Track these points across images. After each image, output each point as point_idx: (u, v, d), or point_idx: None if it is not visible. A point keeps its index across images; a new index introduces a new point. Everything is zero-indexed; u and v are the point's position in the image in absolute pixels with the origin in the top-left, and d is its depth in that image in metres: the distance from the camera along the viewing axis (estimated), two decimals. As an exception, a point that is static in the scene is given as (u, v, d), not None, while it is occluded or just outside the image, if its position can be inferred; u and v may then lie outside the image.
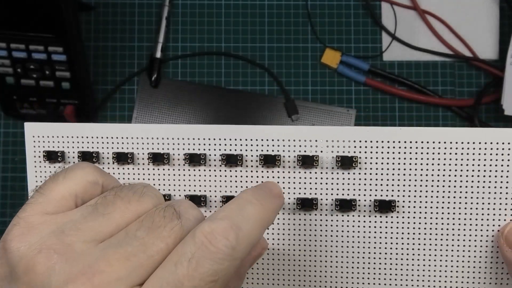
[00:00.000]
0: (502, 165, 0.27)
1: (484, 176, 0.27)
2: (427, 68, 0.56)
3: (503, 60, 0.54)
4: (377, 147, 0.27)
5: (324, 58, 0.55)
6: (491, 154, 0.27)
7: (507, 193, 0.27)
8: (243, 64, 0.56)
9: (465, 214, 0.27)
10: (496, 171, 0.27)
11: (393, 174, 0.27)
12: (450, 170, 0.27)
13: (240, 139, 0.27)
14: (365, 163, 0.27)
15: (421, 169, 0.27)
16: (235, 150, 0.27)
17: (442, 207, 0.27)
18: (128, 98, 0.55)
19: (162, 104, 0.55)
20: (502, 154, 0.27)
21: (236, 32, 0.56)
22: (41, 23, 0.45)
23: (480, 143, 0.27)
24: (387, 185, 0.27)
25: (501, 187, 0.27)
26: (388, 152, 0.27)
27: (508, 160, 0.27)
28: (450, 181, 0.27)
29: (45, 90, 0.50)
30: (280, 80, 0.55)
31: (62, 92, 0.50)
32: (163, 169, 0.28)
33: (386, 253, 0.28)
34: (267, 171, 0.27)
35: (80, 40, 0.48)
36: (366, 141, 0.27)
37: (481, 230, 0.27)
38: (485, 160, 0.27)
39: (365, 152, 0.27)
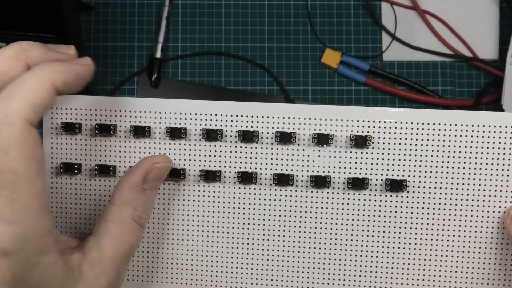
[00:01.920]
0: (510, 148, 0.28)
1: (492, 158, 0.28)
2: (427, 68, 0.56)
3: (503, 60, 0.54)
4: (390, 127, 0.28)
5: (324, 58, 0.55)
6: (500, 137, 0.28)
7: None
8: (243, 64, 0.56)
9: (473, 195, 0.28)
10: (504, 153, 0.28)
11: (404, 155, 0.28)
12: (460, 151, 0.28)
13: (257, 116, 0.27)
14: (378, 143, 0.27)
15: (432, 150, 0.28)
16: (251, 127, 0.28)
17: (451, 188, 0.28)
18: (128, 98, 0.55)
19: (162, 104, 0.55)
20: (511, 138, 0.28)
21: (236, 32, 0.56)
22: (41, 23, 0.45)
23: (490, 126, 0.27)
24: (398, 165, 0.28)
25: (508, 169, 0.28)
26: (400, 133, 0.28)
27: None
28: (460, 162, 0.28)
29: (45, 90, 0.50)
30: (280, 80, 0.55)
31: (62, 92, 0.50)
32: (180, 144, 0.27)
33: (395, 232, 0.29)
34: (282, 148, 0.28)
35: (80, 40, 0.48)
36: (380, 121, 0.27)
37: (488, 210, 0.28)
38: (494, 142, 0.28)
39: (379, 132, 0.27)
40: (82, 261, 0.23)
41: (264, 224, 0.29)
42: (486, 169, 0.28)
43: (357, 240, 0.29)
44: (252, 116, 0.27)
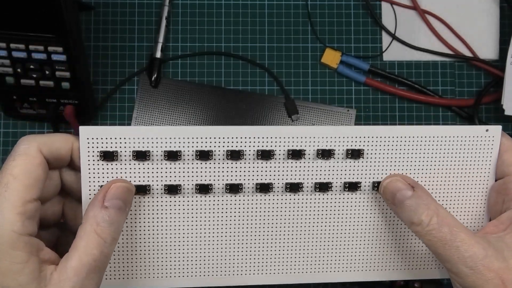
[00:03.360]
0: (464, 154, 0.33)
1: (457, 165, 0.34)
2: (427, 68, 0.56)
3: (503, 60, 0.54)
4: (377, 141, 0.33)
5: (324, 58, 0.55)
6: (457, 146, 0.33)
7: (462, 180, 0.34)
8: (243, 64, 0.56)
9: (441, 194, 0.34)
10: (473, 162, 0.33)
11: (388, 162, 0.33)
12: (426, 158, 0.33)
13: (269, 138, 0.32)
14: (368, 154, 0.33)
15: (407, 157, 0.33)
16: (267, 146, 0.32)
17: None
18: (128, 98, 0.55)
19: (162, 104, 0.55)
20: (464, 146, 0.33)
21: (236, 32, 0.56)
22: (41, 23, 0.45)
23: (461, 136, 0.33)
24: (383, 170, 0.33)
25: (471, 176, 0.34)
26: (385, 145, 0.33)
27: (468, 150, 0.33)
28: (425, 168, 0.34)
29: (45, 90, 0.50)
30: (280, 80, 0.55)
31: (62, 92, 0.50)
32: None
33: (381, 225, 0.34)
34: (292, 162, 0.33)
35: (80, 40, 0.48)
36: (369, 137, 0.33)
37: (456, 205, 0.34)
38: (459, 152, 0.33)
39: (368, 146, 0.33)
40: (53, 271, 0.26)
41: (274, 226, 0.33)
42: (451, 175, 0.34)
43: (353, 234, 0.34)
44: (267, 138, 0.32)
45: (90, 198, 0.30)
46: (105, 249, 0.27)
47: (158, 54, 0.54)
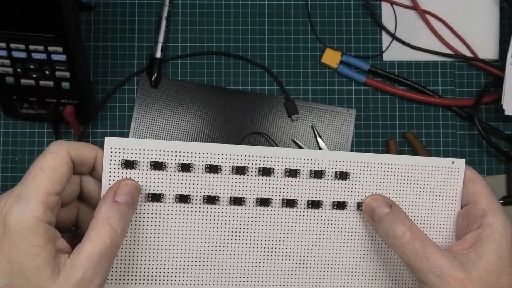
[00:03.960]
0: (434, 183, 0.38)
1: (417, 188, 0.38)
2: (427, 68, 0.56)
3: (503, 60, 0.54)
4: (361, 166, 0.37)
5: (324, 58, 0.55)
6: (429, 174, 0.37)
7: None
8: (243, 64, 0.56)
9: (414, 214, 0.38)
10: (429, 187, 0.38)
11: (370, 185, 0.37)
12: (403, 183, 0.38)
13: (270, 157, 0.36)
14: (354, 176, 0.37)
15: (387, 181, 0.37)
16: (267, 164, 0.36)
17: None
18: (128, 98, 0.55)
19: (162, 104, 0.55)
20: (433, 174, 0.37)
21: (236, 32, 0.56)
22: (41, 23, 0.45)
23: (426, 166, 0.37)
24: (366, 192, 0.37)
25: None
26: (368, 170, 0.37)
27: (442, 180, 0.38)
28: (401, 191, 0.38)
29: (45, 90, 0.50)
30: (280, 80, 0.55)
31: (62, 92, 0.50)
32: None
33: (363, 240, 0.37)
34: (288, 180, 0.36)
35: (80, 40, 0.48)
36: (355, 162, 0.37)
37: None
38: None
39: (354, 169, 0.37)
40: (67, 258, 0.29)
41: (271, 238, 0.36)
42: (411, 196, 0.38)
43: (341, 252, 0.37)
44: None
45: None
46: (115, 239, 0.30)
47: (158, 54, 0.54)
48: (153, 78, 0.54)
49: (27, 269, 0.27)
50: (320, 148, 0.55)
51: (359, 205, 0.37)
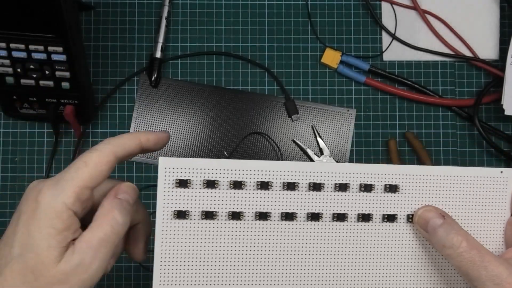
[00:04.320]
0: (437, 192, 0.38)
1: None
2: (427, 68, 0.56)
3: (503, 60, 0.54)
4: (412, 179, 0.37)
5: (324, 58, 0.55)
6: (477, 184, 0.38)
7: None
8: (243, 64, 0.56)
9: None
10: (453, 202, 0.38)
11: (420, 196, 0.37)
12: (453, 193, 0.38)
13: (320, 172, 0.36)
14: (403, 189, 0.37)
15: (437, 193, 0.37)
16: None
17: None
18: (128, 98, 0.55)
19: (162, 104, 0.55)
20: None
21: (236, 32, 0.56)
22: (41, 23, 0.45)
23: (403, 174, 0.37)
24: (416, 204, 0.37)
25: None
26: (417, 182, 0.37)
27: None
28: (452, 202, 0.38)
29: (45, 90, 0.50)
30: (280, 80, 0.55)
31: (62, 92, 0.50)
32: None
33: (415, 253, 0.38)
34: (339, 194, 0.37)
35: (80, 40, 0.48)
36: (404, 175, 0.37)
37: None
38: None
39: (403, 181, 0.37)
40: (72, 245, 0.31)
41: (321, 253, 0.37)
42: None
43: (390, 259, 0.38)
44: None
45: (163, 220, 0.35)
46: (116, 227, 0.32)
47: (158, 54, 0.54)
48: (153, 78, 0.54)
49: (40, 245, 0.30)
50: (320, 148, 0.55)
51: (408, 218, 0.37)
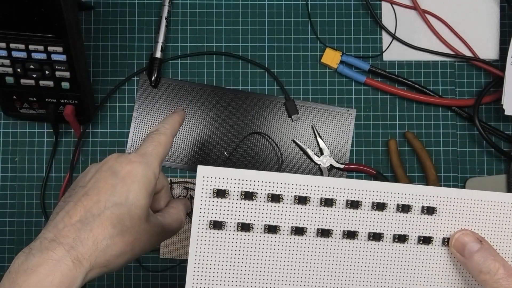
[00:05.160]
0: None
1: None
2: (427, 68, 0.56)
3: (503, 60, 0.54)
4: (450, 201, 0.37)
5: (324, 58, 0.55)
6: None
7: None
8: (243, 64, 0.56)
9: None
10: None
11: (458, 219, 0.37)
12: (489, 218, 0.37)
13: (358, 190, 0.36)
14: (440, 211, 0.37)
15: (474, 217, 0.37)
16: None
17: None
18: (128, 98, 0.55)
19: (162, 104, 0.55)
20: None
21: (236, 32, 0.56)
22: (41, 23, 0.45)
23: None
24: (452, 226, 0.37)
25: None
26: (454, 205, 0.37)
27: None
28: (488, 227, 0.38)
29: (45, 90, 0.50)
30: (280, 80, 0.55)
31: (62, 92, 0.50)
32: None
33: (449, 279, 0.37)
34: (376, 213, 0.36)
35: (80, 40, 0.48)
36: (442, 197, 0.37)
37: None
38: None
39: (441, 204, 0.37)
40: (152, 216, 0.37)
41: (357, 273, 0.37)
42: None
43: (424, 281, 0.37)
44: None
45: (198, 229, 0.34)
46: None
47: (158, 54, 0.54)
48: (153, 78, 0.54)
49: (135, 203, 0.35)
50: (320, 148, 0.55)
51: (444, 241, 0.37)
